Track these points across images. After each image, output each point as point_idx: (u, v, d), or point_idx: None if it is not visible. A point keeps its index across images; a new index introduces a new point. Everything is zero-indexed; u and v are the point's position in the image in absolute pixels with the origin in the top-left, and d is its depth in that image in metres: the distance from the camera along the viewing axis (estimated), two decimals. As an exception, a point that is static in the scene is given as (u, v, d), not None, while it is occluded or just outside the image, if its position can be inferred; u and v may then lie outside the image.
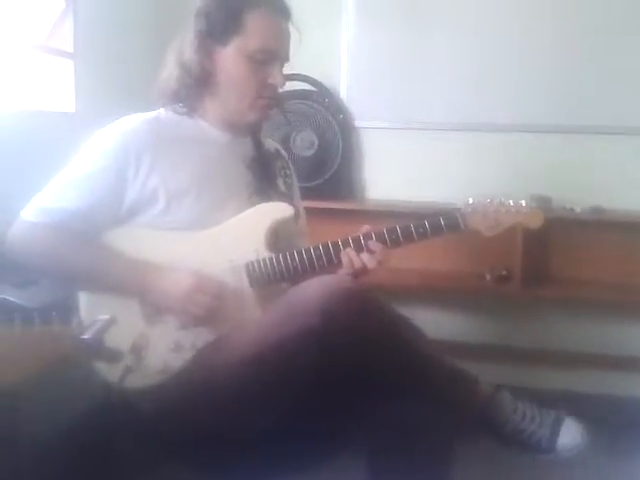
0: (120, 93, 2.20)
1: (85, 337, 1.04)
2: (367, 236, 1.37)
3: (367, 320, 1.17)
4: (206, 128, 1.42)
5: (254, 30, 1.35)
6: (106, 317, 1.08)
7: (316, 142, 2.47)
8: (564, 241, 2.37)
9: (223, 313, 1.30)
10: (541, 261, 2.37)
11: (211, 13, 1.35)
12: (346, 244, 1.36)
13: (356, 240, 1.36)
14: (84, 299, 1.36)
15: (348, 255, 1.35)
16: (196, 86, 1.38)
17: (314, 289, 1.19)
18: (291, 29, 1.42)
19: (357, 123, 2.53)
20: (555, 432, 1.32)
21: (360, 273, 1.36)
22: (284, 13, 1.40)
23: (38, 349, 1.00)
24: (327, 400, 1.19)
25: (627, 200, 2.34)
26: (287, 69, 1.45)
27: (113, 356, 1.09)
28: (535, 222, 1.42)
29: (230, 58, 1.36)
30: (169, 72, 1.39)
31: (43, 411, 1.08)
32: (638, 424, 2.02)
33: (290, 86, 2.22)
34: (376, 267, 1.35)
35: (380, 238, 1.37)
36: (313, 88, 2.46)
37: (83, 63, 2.14)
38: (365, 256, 1.35)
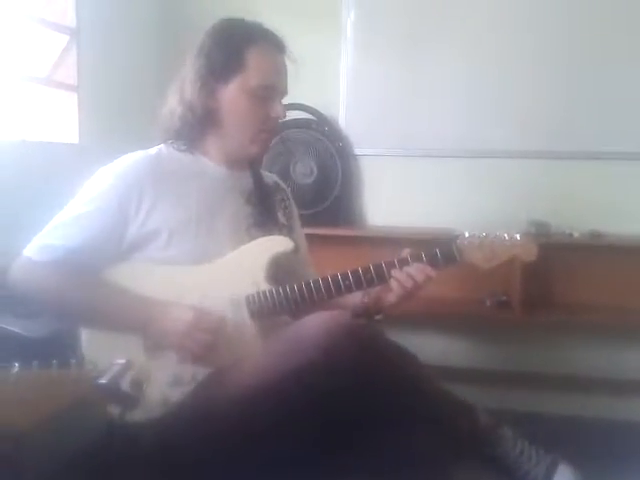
0: (123, 125, 2.24)
1: (102, 381, 1.03)
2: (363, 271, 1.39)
3: (367, 355, 1.18)
4: (207, 164, 1.45)
5: (254, 67, 1.38)
6: (123, 361, 1.08)
7: (316, 170, 2.49)
8: (563, 266, 2.37)
9: (223, 347, 1.31)
10: (541, 286, 2.38)
11: (211, 52, 1.38)
12: (345, 278, 1.38)
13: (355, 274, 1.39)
14: (86, 331, 1.37)
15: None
16: (199, 124, 1.40)
17: (315, 325, 1.20)
18: (288, 62, 1.45)
19: (356, 151, 2.55)
20: (550, 474, 1.33)
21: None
22: (280, 48, 1.44)
23: (54, 392, 1.00)
24: (328, 434, 1.20)
25: (625, 224, 2.35)
26: (287, 99, 1.48)
27: (130, 401, 1.09)
28: (529, 255, 1.44)
29: (232, 96, 1.39)
30: (171, 110, 1.42)
31: (47, 448, 1.08)
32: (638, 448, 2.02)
33: (290, 115, 2.26)
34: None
35: (380, 273, 1.39)
36: (312, 117, 2.50)
37: (87, 96, 2.17)
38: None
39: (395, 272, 1.37)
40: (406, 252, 1.40)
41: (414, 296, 1.39)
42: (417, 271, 1.37)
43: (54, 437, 1.08)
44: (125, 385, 1.07)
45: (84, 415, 1.11)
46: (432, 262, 1.40)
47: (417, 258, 1.40)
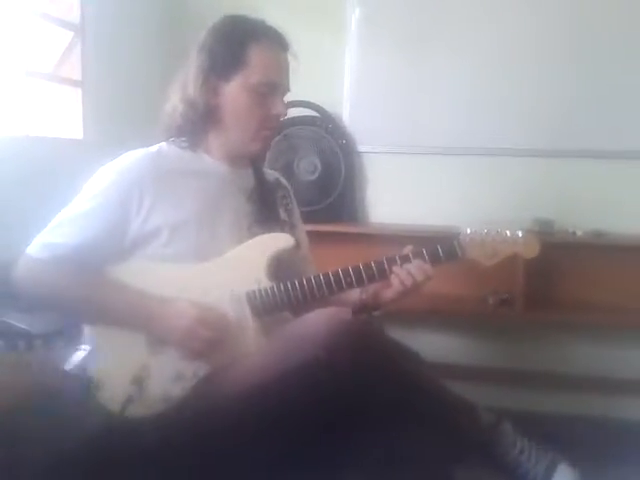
0: (127, 120, 2.24)
1: (68, 369, 1.03)
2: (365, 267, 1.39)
3: (368, 352, 1.18)
4: (208, 161, 1.45)
5: (256, 64, 1.38)
6: (88, 348, 1.08)
7: (319, 167, 2.49)
8: (566, 265, 2.37)
9: (225, 344, 1.31)
10: (543, 284, 2.37)
11: (213, 49, 1.38)
12: (346, 274, 1.38)
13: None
14: (88, 327, 1.38)
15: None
16: (200, 121, 1.40)
17: (315, 322, 1.21)
18: (290, 59, 1.45)
19: (359, 148, 2.55)
20: (549, 473, 1.33)
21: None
22: (283, 45, 1.43)
23: (20, 377, 1.01)
24: (329, 431, 1.20)
25: (629, 223, 2.35)
26: (290, 96, 1.48)
27: (93, 388, 1.08)
28: (531, 252, 1.44)
29: (234, 93, 1.39)
30: (173, 107, 1.42)
31: (39, 439, 1.09)
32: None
33: (293, 112, 2.27)
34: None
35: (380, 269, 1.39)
36: (316, 114, 2.49)
37: (91, 91, 2.18)
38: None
39: (396, 269, 1.38)
40: (408, 249, 1.40)
41: (412, 293, 1.39)
42: (417, 269, 1.37)
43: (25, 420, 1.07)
44: (89, 372, 1.05)
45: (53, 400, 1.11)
46: (434, 258, 1.40)
47: (418, 255, 1.40)
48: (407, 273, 1.37)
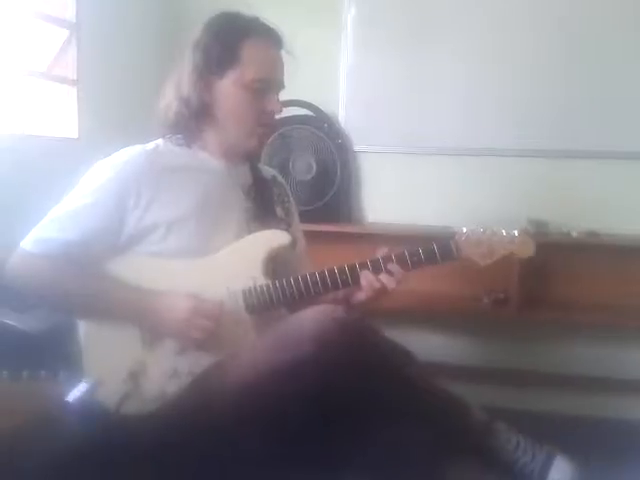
0: (122, 119, 2.24)
1: (70, 400, 1.03)
2: (362, 265, 1.39)
3: (360, 349, 1.19)
4: (204, 158, 1.45)
5: (250, 61, 1.38)
6: (92, 381, 1.08)
7: (315, 166, 2.49)
8: (561, 265, 2.37)
9: (221, 338, 1.31)
10: (538, 284, 2.38)
11: (207, 46, 1.39)
12: (341, 272, 1.39)
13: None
14: (83, 324, 1.38)
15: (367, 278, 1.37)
16: (195, 118, 1.40)
17: (308, 319, 1.21)
18: (285, 57, 1.45)
19: (355, 147, 2.55)
20: (546, 468, 1.33)
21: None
22: (277, 42, 1.44)
23: (22, 403, 1.01)
24: (321, 427, 1.20)
25: (624, 224, 2.35)
26: (286, 95, 1.48)
27: (96, 421, 1.08)
28: (526, 251, 1.44)
29: (228, 89, 1.39)
30: (168, 104, 1.42)
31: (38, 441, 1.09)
32: (637, 447, 2.02)
33: (289, 112, 2.27)
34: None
35: (376, 267, 1.39)
36: (312, 113, 2.49)
37: (86, 90, 2.17)
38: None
39: (367, 274, 1.38)
40: (382, 251, 1.41)
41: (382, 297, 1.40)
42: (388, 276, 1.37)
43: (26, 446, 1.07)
44: (93, 405, 1.06)
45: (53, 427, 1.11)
46: (430, 258, 1.40)
47: (415, 255, 1.40)
48: (377, 279, 1.37)
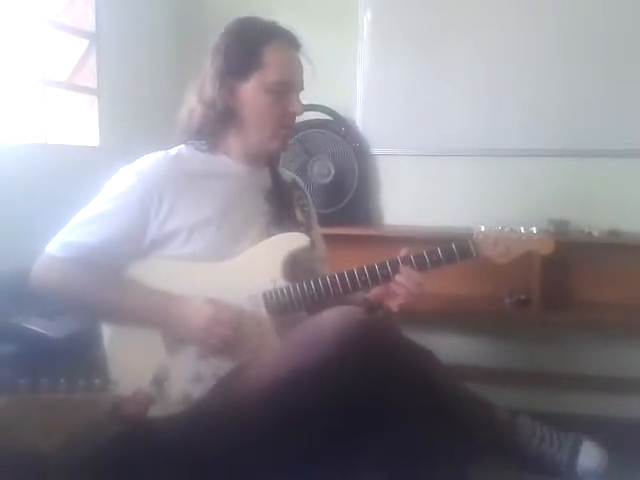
0: (143, 127, 2.26)
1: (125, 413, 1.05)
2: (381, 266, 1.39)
3: (382, 350, 1.19)
4: (226, 162, 1.47)
5: (271, 64, 1.41)
6: (147, 391, 1.09)
7: (333, 170, 2.50)
8: (582, 265, 2.35)
9: (242, 342, 1.32)
10: (560, 285, 2.36)
11: (229, 51, 1.41)
12: (361, 274, 1.39)
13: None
14: (107, 329, 1.40)
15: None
16: (219, 122, 1.43)
17: (329, 320, 1.21)
18: (303, 60, 1.47)
19: (373, 150, 2.55)
20: (574, 455, 1.31)
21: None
22: (295, 44, 1.46)
23: (76, 416, 1.02)
24: (345, 429, 1.21)
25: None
26: (303, 99, 1.50)
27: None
28: (545, 249, 1.44)
29: (251, 92, 1.42)
30: (191, 109, 1.44)
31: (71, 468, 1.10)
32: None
33: (307, 116, 2.28)
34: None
35: (394, 267, 1.40)
36: (329, 117, 2.50)
37: (107, 99, 2.20)
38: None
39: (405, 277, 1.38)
40: (403, 251, 1.41)
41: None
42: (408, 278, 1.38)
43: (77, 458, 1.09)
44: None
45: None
46: (449, 257, 1.40)
47: (433, 254, 1.40)
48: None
